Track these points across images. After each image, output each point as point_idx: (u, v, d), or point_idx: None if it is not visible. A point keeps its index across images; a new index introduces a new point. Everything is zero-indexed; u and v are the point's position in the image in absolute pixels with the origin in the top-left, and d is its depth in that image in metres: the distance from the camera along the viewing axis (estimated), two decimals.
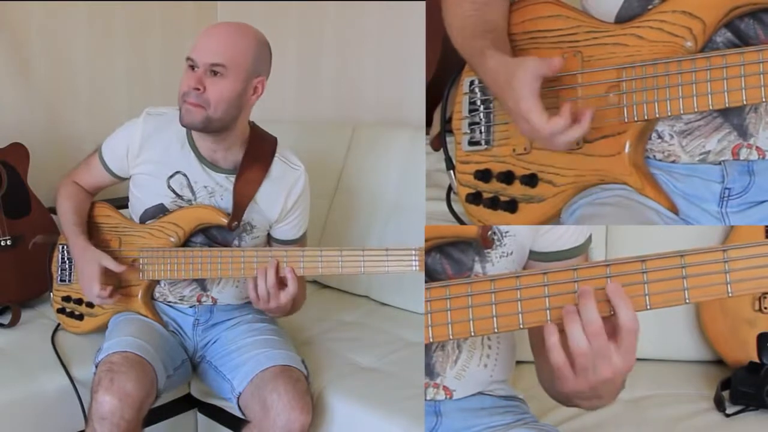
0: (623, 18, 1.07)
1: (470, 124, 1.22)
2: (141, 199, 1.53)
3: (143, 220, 1.53)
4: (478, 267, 1.08)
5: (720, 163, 1.05)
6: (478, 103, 1.21)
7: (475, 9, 1.15)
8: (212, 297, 1.58)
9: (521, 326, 0.87)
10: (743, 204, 1.06)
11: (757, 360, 1.45)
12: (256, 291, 1.37)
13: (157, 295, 1.58)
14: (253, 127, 1.54)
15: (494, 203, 1.19)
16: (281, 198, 1.52)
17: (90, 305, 1.61)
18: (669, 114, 1.02)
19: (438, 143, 1.30)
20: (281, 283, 1.36)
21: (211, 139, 1.46)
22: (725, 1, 0.99)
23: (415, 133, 1.93)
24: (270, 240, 1.59)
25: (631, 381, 0.91)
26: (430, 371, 1.12)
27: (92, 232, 1.57)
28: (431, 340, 0.90)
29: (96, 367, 1.37)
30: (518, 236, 1.10)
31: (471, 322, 0.88)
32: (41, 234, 1.77)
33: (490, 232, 1.07)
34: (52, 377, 1.48)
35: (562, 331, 0.82)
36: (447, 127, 1.27)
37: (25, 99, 2.19)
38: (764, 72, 0.94)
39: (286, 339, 1.54)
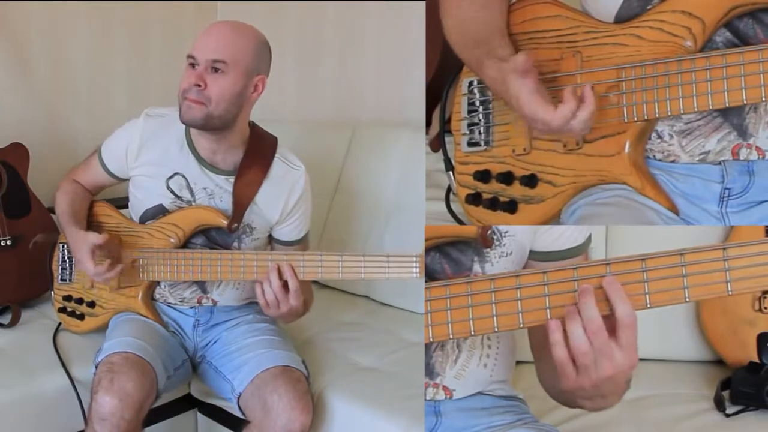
0: (623, 18, 1.07)
1: (469, 125, 1.22)
2: (141, 200, 1.53)
3: (143, 220, 1.53)
4: (477, 267, 1.08)
5: (720, 163, 1.05)
6: (477, 103, 1.21)
7: (475, 12, 1.15)
8: (212, 299, 1.57)
9: (521, 325, 0.87)
10: (743, 204, 1.06)
11: (757, 360, 1.45)
12: (265, 298, 1.36)
13: (157, 296, 1.57)
14: (253, 127, 1.53)
15: (494, 204, 1.19)
16: (281, 199, 1.51)
17: (91, 305, 1.61)
18: (669, 114, 1.02)
19: (437, 144, 1.30)
20: (286, 286, 1.36)
21: (211, 139, 1.46)
22: (725, 1, 0.99)
23: (415, 133, 1.93)
24: (271, 241, 1.59)
25: (632, 381, 0.91)
26: (429, 371, 1.12)
27: (92, 231, 1.57)
28: (431, 339, 0.90)
29: (96, 367, 1.37)
30: (518, 236, 1.10)
31: (471, 321, 0.88)
32: (41, 234, 1.77)
33: (489, 232, 1.07)
34: (52, 377, 1.48)
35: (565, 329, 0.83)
36: (446, 127, 1.27)
37: (25, 99, 2.19)
38: (764, 71, 0.94)
39: (286, 339, 1.54)
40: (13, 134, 1.92)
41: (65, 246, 1.65)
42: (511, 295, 0.86)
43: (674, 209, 1.06)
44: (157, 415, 1.51)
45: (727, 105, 0.98)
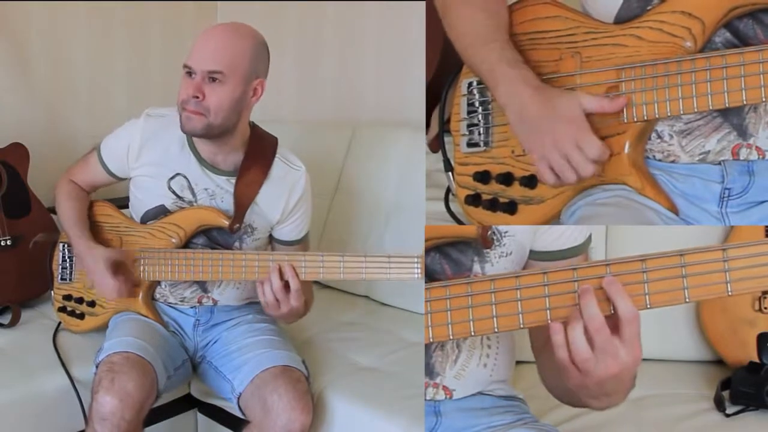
0: (622, 18, 1.07)
1: (469, 126, 1.22)
2: (142, 200, 1.53)
3: (144, 220, 1.53)
4: (477, 267, 1.08)
5: (720, 163, 1.05)
6: (477, 104, 1.21)
7: (474, 14, 1.15)
8: (213, 298, 1.57)
9: (521, 326, 0.87)
10: (743, 204, 1.06)
11: (757, 360, 1.45)
12: (266, 298, 1.36)
13: (157, 296, 1.57)
14: (254, 127, 1.53)
15: (493, 205, 1.19)
16: (282, 199, 1.51)
17: (91, 304, 1.61)
18: (669, 114, 1.02)
19: (436, 145, 1.30)
20: (287, 286, 1.36)
21: (212, 143, 1.46)
22: (725, 1, 0.99)
23: (415, 133, 1.93)
24: (272, 241, 1.59)
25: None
26: (429, 371, 1.12)
27: (93, 231, 1.57)
28: (431, 340, 0.90)
29: (96, 367, 1.37)
30: (517, 236, 1.10)
31: (471, 322, 0.88)
32: (41, 234, 1.77)
33: (489, 233, 1.07)
34: (52, 377, 1.48)
35: None
36: (445, 128, 1.27)
37: (25, 99, 2.19)
38: (764, 72, 0.94)
39: (286, 339, 1.54)
40: (13, 134, 1.92)
41: (65, 246, 1.65)
42: (511, 296, 0.87)
43: (674, 209, 1.06)
44: (157, 415, 1.51)
45: (727, 105, 0.98)
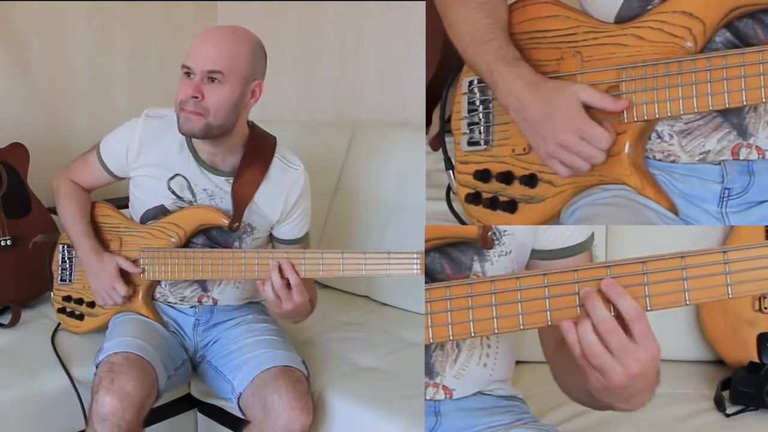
0: (623, 18, 1.07)
1: (469, 124, 1.22)
2: (142, 200, 1.53)
3: (144, 220, 1.53)
4: (477, 266, 1.08)
5: (720, 163, 1.05)
6: (477, 103, 1.21)
7: (473, 13, 1.15)
8: (213, 298, 1.58)
9: (521, 327, 0.87)
10: (743, 204, 1.05)
11: (757, 360, 1.45)
12: (268, 296, 1.36)
13: (157, 295, 1.57)
14: (253, 127, 1.53)
15: (494, 203, 1.19)
16: (281, 199, 1.51)
17: (91, 305, 1.61)
18: (669, 114, 1.02)
19: (437, 143, 1.30)
20: (289, 284, 1.35)
21: (211, 144, 1.45)
22: (725, 1, 0.99)
23: (415, 133, 1.93)
24: (272, 240, 1.59)
25: None
26: (429, 370, 1.12)
27: (93, 231, 1.57)
28: (431, 340, 0.90)
29: (96, 367, 1.37)
30: (517, 235, 1.10)
31: (471, 323, 0.88)
32: (41, 234, 1.77)
33: (490, 233, 1.07)
34: (52, 377, 1.48)
35: None
36: (446, 127, 1.27)
37: (25, 99, 2.19)
38: (764, 72, 0.94)
39: (286, 339, 1.54)
40: (13, 134, 1.92)
41: (65, 246, 1.65)
42: (512, 297, 0.86)
43: (674, 209, 1.06)
44: (157, 415, 1.51)
45: (727, 106, 0.98)
